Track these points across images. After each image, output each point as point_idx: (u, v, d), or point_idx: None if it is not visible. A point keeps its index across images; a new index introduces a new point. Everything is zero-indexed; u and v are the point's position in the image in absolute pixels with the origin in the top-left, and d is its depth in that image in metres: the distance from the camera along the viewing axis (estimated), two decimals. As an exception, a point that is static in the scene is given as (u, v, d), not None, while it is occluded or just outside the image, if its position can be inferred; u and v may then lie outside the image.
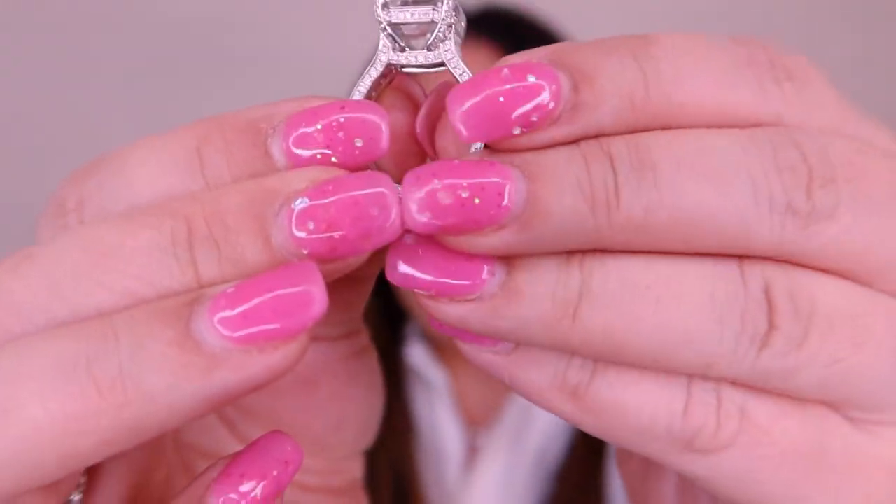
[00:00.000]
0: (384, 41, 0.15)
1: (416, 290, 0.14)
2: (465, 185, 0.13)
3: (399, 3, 0.15)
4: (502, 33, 0.56)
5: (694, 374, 0.14)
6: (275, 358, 0.12)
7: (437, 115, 0.15)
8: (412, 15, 0.15)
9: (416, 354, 0.61)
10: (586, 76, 0.13)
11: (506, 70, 0.13)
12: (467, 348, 0.15)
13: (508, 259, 0.13)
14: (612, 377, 0.14)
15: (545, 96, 0.13)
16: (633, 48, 0.13)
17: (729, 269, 0.13)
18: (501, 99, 0.13)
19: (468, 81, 0.13)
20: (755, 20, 0.92)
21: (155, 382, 0.12)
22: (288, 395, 0.19)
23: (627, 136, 0.13)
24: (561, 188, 0.13)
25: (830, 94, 0.14)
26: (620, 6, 0.91)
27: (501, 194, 0.12)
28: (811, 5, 0.92)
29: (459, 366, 0.61)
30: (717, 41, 0.14)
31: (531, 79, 0.13)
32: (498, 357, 0.14)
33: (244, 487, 0.14)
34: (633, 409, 0.14)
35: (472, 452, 0.58)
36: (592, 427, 0.14)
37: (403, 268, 0.13)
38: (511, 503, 0.57)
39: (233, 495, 0.14)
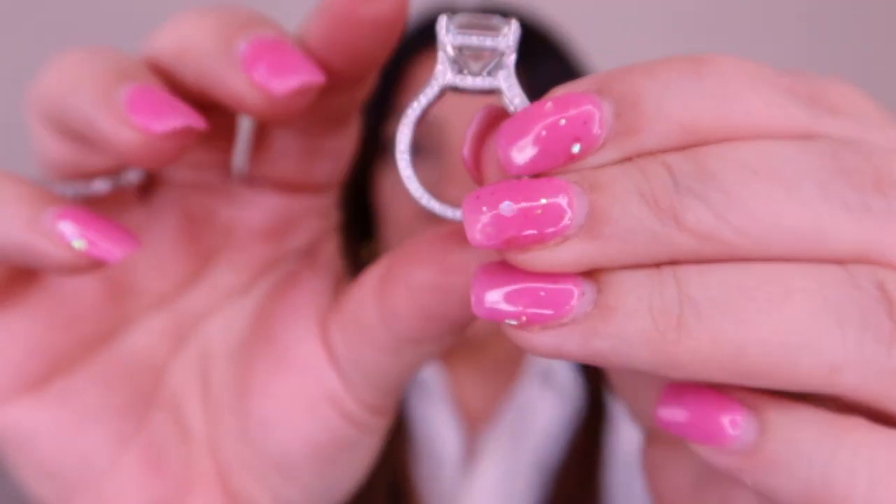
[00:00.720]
0: (443, 62, 0.15)
1: (505, 322, 0.13)
2: (525, 199, 0.13)
3: (459, 25, 0.15)
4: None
5: (818, 384, 0.13)
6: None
7: (483, 139, 0.15)
8: (477, 40, 0.15)
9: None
10: (629, 101, 0.13)
11: (549, 104, 0.13)
12: (703, 451, 0.14)
13: (596, 276, 0.13)
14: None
15: (588, 126, 0.13)
16: (680, 69, 0.13)
17: (834, 269, 0.13)
18: (544, 133, 0.13)
19: (514, 118, 0.13)
20: (754, 20, 0.92)
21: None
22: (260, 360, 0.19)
23: (683, 150, 0.13)
24: (623, 196, 0.12)
25: (880, 119, 0.14)
26: (620, 7, 0.91)
27: (562, 206, 0.12)
28: (810, 7, 0.92)
29: (458, 364, 0.60)
30: (764, 68, 0.14)
31: (573, 111, 0.13)
32: (737, 458, 0.13)
33: (82, 231, 0.16)
34: None
35: (470, 453, 0.58)
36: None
37: (489, 300, 0.13)
38: (510, 503, 0.57)
39: (67, 222, 0.16)
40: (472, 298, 0.13)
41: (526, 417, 0.58)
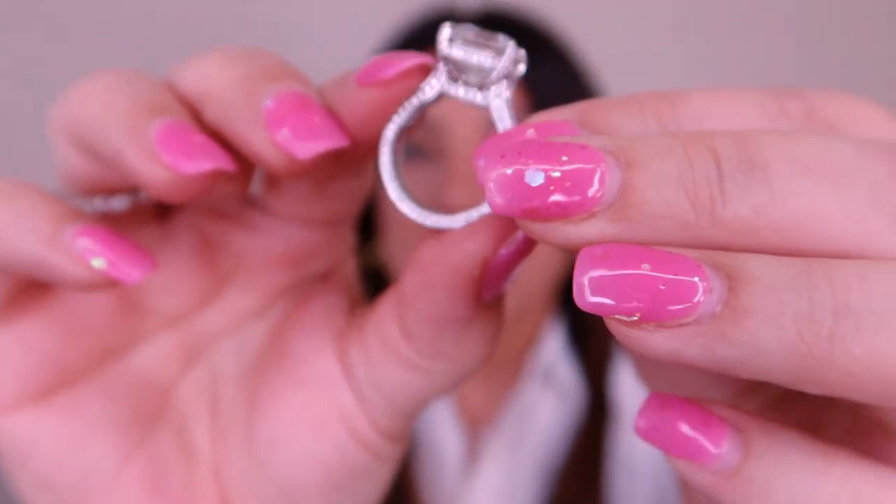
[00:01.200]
0: (441, 70, 0.15)
1: (614, 316, 0.11)
2: (554, 167, 0.12)
3: (460, 37, 0.15)
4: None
5: None
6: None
7: None
8: (474, 57, 0.15)
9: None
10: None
11: (531, 130, 0.13)
12: (681, 466, 0.13)
13: (727, 271, 0.11)
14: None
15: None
16: (656, 106, 0.13)
17: None
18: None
19: (495, 139, 0.13)
20: (756, 20, 0.92)
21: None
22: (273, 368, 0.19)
23: (734, 133, 0.12)
24: (660, 180, 0.12)
25: (888, 129, 0.13)
26: (621, 7, 0.91)
27: (593, 180, 0.12)
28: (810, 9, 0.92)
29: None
30: (747, 94, 0.13)
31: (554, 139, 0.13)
32: (716, 479, 0.12)
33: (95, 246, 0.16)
34: None
35: (471, 454, 0.58)
36: None
37: (595, 290, 0.11)
38: (512, 504, 0.57)
39: (87, 240, 0.16)
40: (574, 288, 0.12)
41: (527, 418, 0.58)
